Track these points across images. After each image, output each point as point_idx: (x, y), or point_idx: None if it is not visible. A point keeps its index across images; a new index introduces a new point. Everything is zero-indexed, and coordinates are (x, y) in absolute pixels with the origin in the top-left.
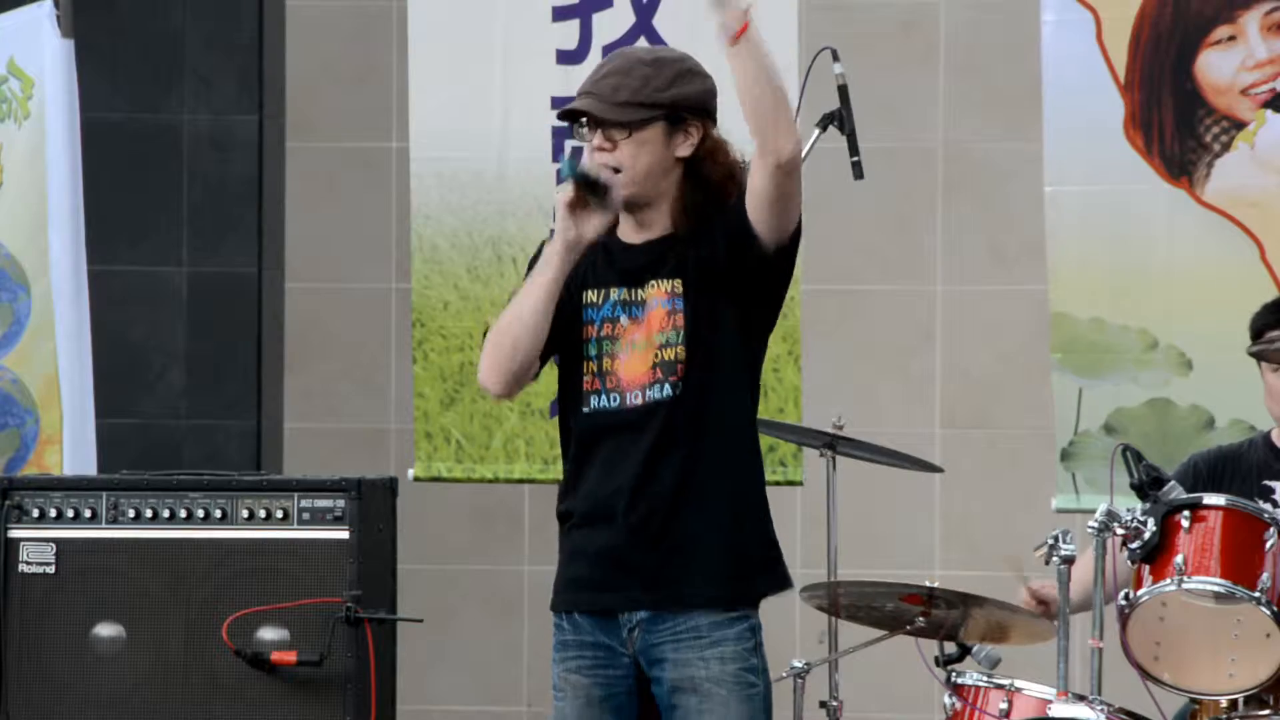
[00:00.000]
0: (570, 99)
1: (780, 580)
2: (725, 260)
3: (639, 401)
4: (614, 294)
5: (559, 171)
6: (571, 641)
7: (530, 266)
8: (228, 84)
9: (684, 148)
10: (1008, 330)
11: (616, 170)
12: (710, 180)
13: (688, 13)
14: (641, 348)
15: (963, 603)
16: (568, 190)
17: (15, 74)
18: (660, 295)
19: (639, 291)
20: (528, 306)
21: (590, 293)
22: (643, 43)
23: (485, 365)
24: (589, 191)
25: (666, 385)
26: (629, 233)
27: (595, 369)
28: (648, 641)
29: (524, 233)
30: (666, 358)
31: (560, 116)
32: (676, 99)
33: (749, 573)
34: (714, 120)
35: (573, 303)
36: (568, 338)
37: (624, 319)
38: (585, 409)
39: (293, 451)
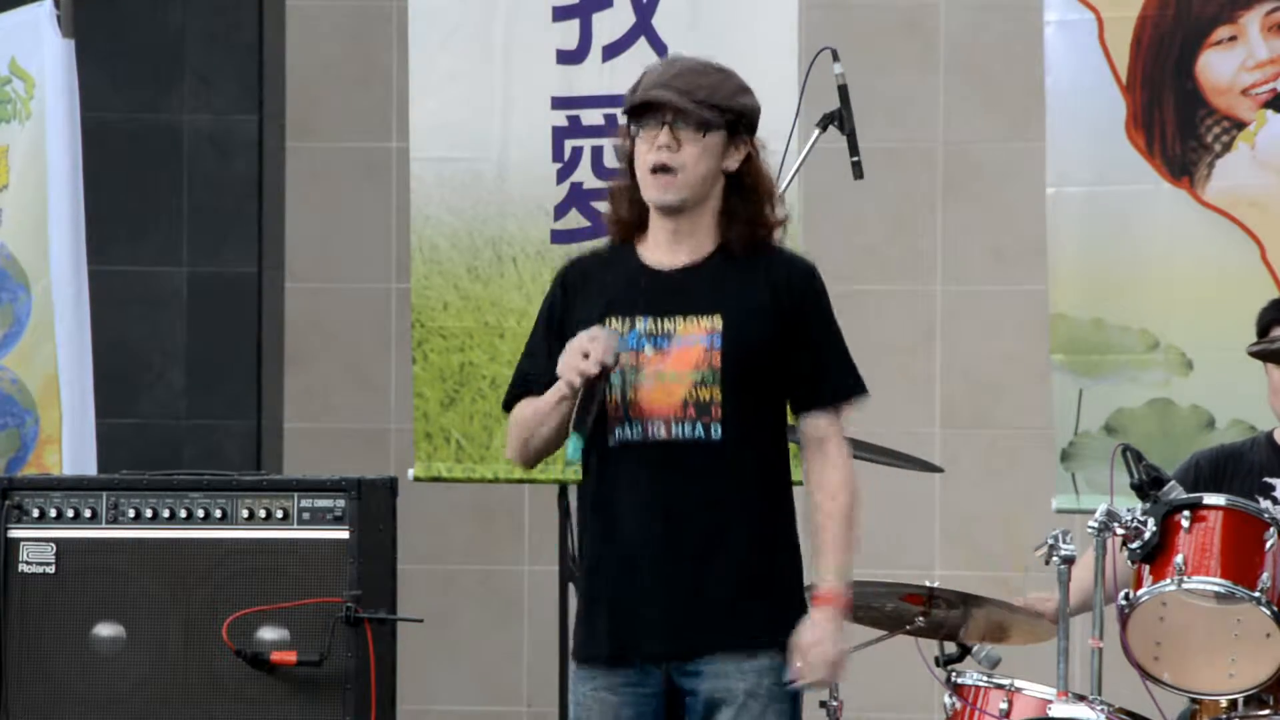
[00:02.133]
0: (571, 99)
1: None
2: (768, 340)
3: (662, 435)
4: (640, 324)
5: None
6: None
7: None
8: (228, 84)
9: (733, 160)
10: (1008, 330)
11: (673, 170)
12: (754, 197)
13: (687, 13)
14: (669, 379)
15: (963, 603)
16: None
17: (18, 74)
18: (698, 331)
19: (666, 323)
20: (549, 425)
21: (614, 321)
22: (643, 43)
23: (510, 445)
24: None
25: (699, 425)
26: (660, 255)
27: (619, 399)
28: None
29: (524, 233)
30: (701, 397)
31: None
32: (742, 110)
33: (777, 628)
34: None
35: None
36: None
37: (648, 349)
38: (610, 441)
39: (293, 451)
